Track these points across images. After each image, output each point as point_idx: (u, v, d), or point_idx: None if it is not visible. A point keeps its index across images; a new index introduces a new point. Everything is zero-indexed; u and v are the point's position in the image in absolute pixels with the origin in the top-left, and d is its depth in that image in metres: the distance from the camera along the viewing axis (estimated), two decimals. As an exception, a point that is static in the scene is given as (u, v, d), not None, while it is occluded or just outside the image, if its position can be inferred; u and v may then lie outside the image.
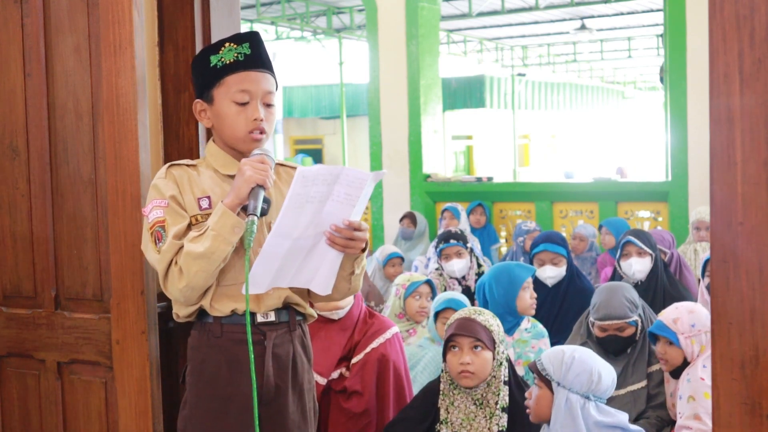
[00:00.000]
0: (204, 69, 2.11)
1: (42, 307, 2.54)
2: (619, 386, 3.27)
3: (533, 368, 2.73)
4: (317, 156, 21.83)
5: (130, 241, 2.31)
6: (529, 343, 3.77)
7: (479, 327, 2.81)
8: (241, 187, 1.97)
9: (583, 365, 2.62)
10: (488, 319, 2.87)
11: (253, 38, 2.12)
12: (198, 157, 2.52)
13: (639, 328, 3.45)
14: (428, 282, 4.01)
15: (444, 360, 2.86)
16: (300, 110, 21.93)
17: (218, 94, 2.09)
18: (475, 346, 2.79)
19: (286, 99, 21.98)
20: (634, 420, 3.20)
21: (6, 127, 2.55)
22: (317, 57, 20.61)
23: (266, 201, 2.05)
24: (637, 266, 4.37)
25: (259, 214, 1.94)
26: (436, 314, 3.74)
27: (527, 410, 2.72)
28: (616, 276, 4.52)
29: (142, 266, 2.31)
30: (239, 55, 2.08)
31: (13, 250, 2.57)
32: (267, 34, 17.29)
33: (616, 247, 5.77)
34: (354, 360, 3.09)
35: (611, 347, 3.44)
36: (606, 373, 2.64)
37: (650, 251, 4.39)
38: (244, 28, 15.30)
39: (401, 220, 7.72)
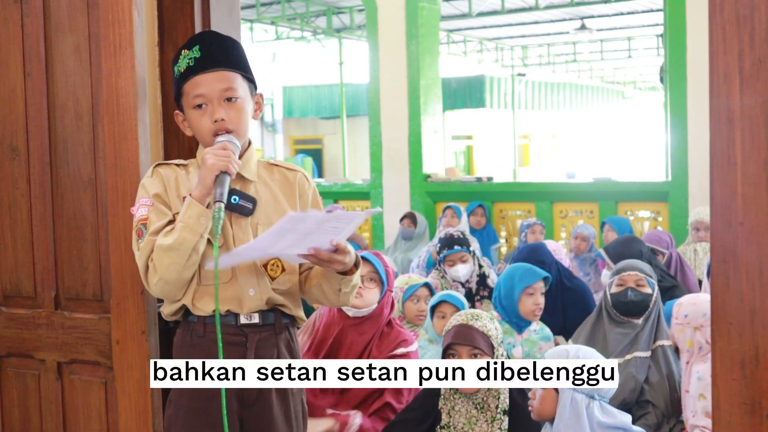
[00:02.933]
0: (173, 81, 2.15)
1: (42, 307, 2.54)
2: (623, 353, 3.39)
3: None
4: (317, 156, 21.82)
5: (130, 241, 2.31)
6: (537, 344, 3.80)
7: (477, 334, 2.78)
8: (205, 177, 1.97)
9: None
10: (486, 323, 2.83)
11: (203, 39, 2.10)
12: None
13: (654, 296, 3.53)
14: (426, 285, 4.00)
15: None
16: (300, 110, 21.93)
17: (183, 103, 2.12)
18: (474, 354, 2.77)
19: (286, 99, 22.00)
20: (635, 419, 3.21)
21: (6, 127, 2.55)
22: (317, 57, 20.61)
23: (251, 200, 2.04)
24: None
25: (225, 201, 1.94)
26: (432, 309, 3.76)
27: (529, 409, 2.71)
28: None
29: (142, 266, 2.31)
30: (190, 61, 2.07)
31: (13, 250, 2.57)
32: (267, 34, 17.30)
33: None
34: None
35: (629, 298, 3.52)
36: None
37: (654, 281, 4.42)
38: (244, 27, 15.31)
39: (401, 220, 7.71)
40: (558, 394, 2.65)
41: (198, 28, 2.53)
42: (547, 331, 3.89)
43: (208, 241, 2.00)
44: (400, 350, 3.08)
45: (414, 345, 3.17)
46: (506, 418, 2.76)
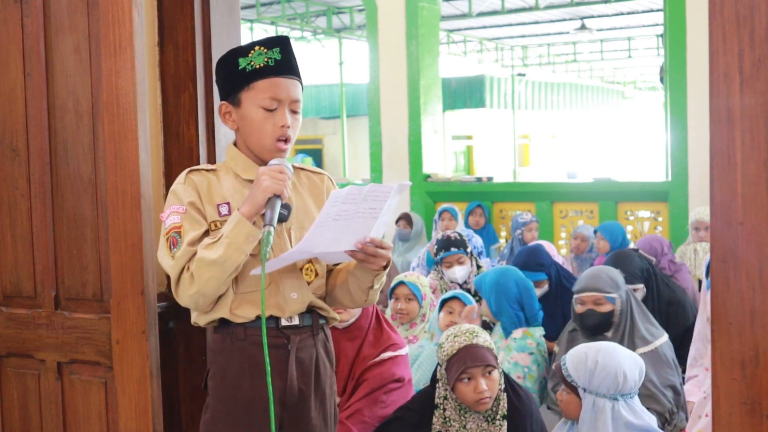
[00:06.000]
0: (232, 71, 2.08)
1: (42, 307, 2.54)
2: None
3: (559, 373, 2.72)
4: (317, 156, 21.82)
5: (130, 241, 2.31)
6: (511, 353, 3.79)
7: (486, 351, 2.76)
8: (257, 197, 1.95)
9: (607, 369, 2.60)
10: (486, 338, 2.82)
11: (284, 43, 2.09)
12: (197, 157, 2.52)
13: (618, 309, 3.50)
14: (404, 283, 3.98)
15: (452, 389, 2.79)
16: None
17: (246, 98, 2.07)
18: (489, 372, 2.75)
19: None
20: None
21: (6, 127, 2.55)
22: (317, 57, 20.62)
23: (286, 207, 2.03)
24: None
25: (275, 225, 1.93)
26: (442, 303, 3.79)
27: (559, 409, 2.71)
28: None
29: (142, 266, 2.31)
30: (270, 60, 2.05)
31: (13, 250, 2.57)
32: (267, 34, 17.30)
33: (612, 250, 5.79)
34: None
35: (589, 321, 3.51)
36: (631, 368, 2.63)
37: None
38: (244, 27, 15.31)
39: (397, 221, 7.64)
40: (581, 399, 2.64)
41: (198, 28, 2.53)
42: (527, 342, 3.84)
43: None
44: (387, 354, 3.08)
45: (404, 349, 3.17)
46: (505, 423, 2.75)
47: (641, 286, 4.31)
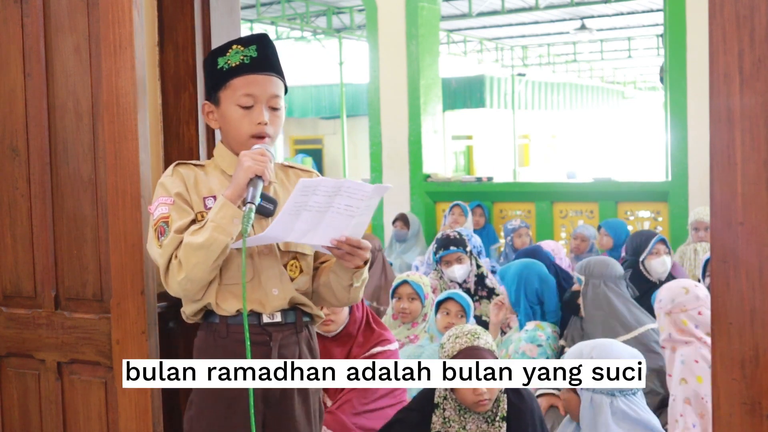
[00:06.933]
0: (211, 71, 2.12)
1: (42, 307, 2.54)
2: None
3: None
4: (317, 156, 21.82)
5: (130, 241, 2.31)
6: (520, 343, 3.79)
7: (486, 353, 2.75)
8: (239, 177, 1.97)
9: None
10: (487, 339, 2.81)
11: (261, 41, 2.11)
12: (198, 157, 2.52)
13: (581, 291, 3.77)
14: (407, 282, 3.97)
15: (451, 390, 2.78)
16: (300, 110, 21.92)
17: (224, 96, 2.10)
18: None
19: (286, 99, 21.90)
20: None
21: (6, 127, 2.55)
22: (317, 57, 20.61)
23: (272, 201, 2.05)
24: (669, 265, 4.43)
25: (257, 203, 1.94)
26: (438, 305, 3.77)
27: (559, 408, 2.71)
28: (639, 276, 4.51)
29: (142, 266, 2.31)
30: (245, 58, 2.07)
31: (13, 250, 2.57)
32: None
33: (615, 247, 5.79)
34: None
35: (568, 296, 3.91)
36: None
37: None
38: (244, 27, 15.30)
39: (394, 222, 7.62)
40: (579, 397, 2.64)
41: (198, 28, 2.53)
42: (538, 334, 3.85)
43: None
44: (377, 349, 3.09)
45: (394, 344, 3.19)
46: (504, 425, 2.74)
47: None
